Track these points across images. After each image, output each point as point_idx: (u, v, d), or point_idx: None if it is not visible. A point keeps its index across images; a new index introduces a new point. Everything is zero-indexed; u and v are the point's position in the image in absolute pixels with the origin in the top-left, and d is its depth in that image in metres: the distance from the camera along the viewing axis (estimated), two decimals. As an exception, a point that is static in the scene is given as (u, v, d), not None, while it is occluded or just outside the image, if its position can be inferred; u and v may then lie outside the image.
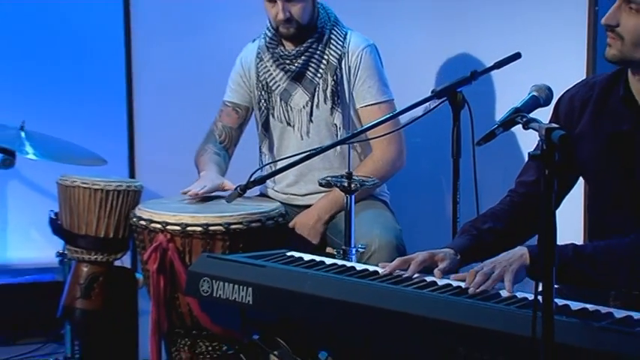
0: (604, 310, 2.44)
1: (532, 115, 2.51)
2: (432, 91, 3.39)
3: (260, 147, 4.28)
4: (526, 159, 3.25)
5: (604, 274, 2.70)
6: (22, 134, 4.17)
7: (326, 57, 4.07)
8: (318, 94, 4.10)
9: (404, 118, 3.52)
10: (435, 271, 2.77)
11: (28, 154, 4.11)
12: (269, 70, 4.15)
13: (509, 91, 4.44)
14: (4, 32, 5.04)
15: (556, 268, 2.30)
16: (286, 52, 4.09)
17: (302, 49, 4.07)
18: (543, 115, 2.58)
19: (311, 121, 4.12)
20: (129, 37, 4.76)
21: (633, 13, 2.71)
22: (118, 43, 4.77)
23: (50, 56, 5.03)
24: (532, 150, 2.28)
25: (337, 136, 3.99)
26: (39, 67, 5.03)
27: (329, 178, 3.51)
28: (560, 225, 2.17)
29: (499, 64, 3.49)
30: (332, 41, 4.08)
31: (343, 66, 4.07)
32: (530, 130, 2.39)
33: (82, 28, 5.02)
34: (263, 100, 4.18)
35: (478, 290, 2.58)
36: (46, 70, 5.03)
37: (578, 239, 4.51)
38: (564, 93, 3.07)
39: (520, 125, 2.47)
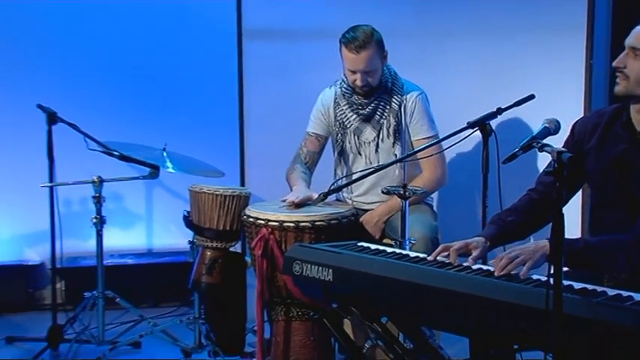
0: (599, 289, 2.40)
1: (544, 141, 2.50)
2: (467, 123, 3.37)
3: (335, 169, 4.24)
4: (537, 174, 3.22)
5: (607, 261, 2.66)
6: (164, 154, 4.21)
7: (389, 105, 4.02)
8: (382, 132, 4.05)
9: (447, 144, 3.48)
10: (469, 259, 2.74)
11: (168, 169, 4.13)
12: (344, 113, 4.11)
13: (525, 123, 4.40)
14: (150, 80, 5.11)
15: (569, 256, 2.31)
16: (359, 101, 4.05)
17: (371, 99, 4.02)
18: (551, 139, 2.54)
19: (377, 151, 4.08)
20: (241, 77, 4.76)
21: (638, 59, 2.70)
22: (232, 83, 4.77)
23: (183, 94, 5.15)
24: (546, 167, 2.28)
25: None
26: (176, 102, 5.15)
27: (389, 188, 3.52)
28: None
29: (518, 103, 3.46)
30: (394, 92, 4.03)
31: (402, 110, 4.02)
32: (544, 153, 2.39)
33: (205, 72, 5.11)
34: (339, 135, 4.14)
35: (502, 273, 2.54)
36: (180, 104, 5.13)
37: (576, 230, 4.48)
38: (579, 119, 3.07)
39: (536, 149, 2.46)
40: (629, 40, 2.75)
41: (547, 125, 2.68)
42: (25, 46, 5.07)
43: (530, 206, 3.01)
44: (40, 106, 4.15)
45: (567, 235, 2.25)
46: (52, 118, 4.14)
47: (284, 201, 3.84)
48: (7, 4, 5.01)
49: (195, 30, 5.08)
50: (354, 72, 3.92)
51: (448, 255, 2.78)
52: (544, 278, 2.39)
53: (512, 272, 2.56)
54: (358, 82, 3.94)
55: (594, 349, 2.21)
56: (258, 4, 4.74)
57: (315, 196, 3.82)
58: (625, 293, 2.33)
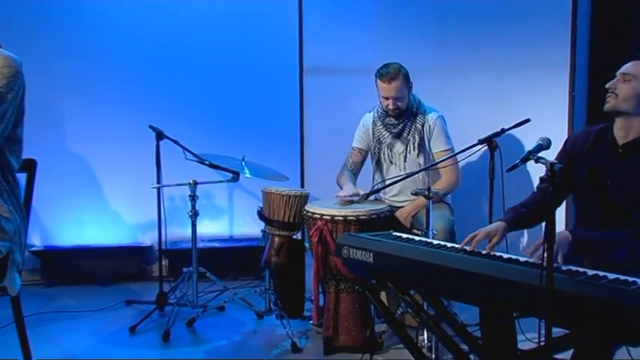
0: (581, 269, 2.38)
1: (539, 155, 2.48)
2: (478, 140, 3.36)
3: (373, 175, 4.25)
4: (531, 181, 3.19)
5: (610, 251, 2.61)
6: (243, 163, 4.22)
7: (415, 125, 4.02)
8: (409, 146, 4.05)
9: (461, 155, 3.47)
10: (487, 247, 2.70)
11: (246, 174, 4.15)
12: (380, 131, 4.12)
13: (523, 141, 4.36)
14: (232, 105, 5.14)
15: (581, 245, 2.46)
16: (391, 122, 4.06)
17: (400, 120, 4.03)
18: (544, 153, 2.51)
19: (405, 161, 4.07)
20: (302, 104, 4.77)
21: (626, 83, 2.69)
22: (295, 108, 4.77)
23: (257, 116, 5.16)
24: (542, 175, 2.28)
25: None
26: (252, 122, 5.16)
27: (417, 190, 3.52)
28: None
29: (517, 125, 3.44)
30: (418, 115, 4.03)
31: (425, 129, 4.02)
32: (539, 164, 2.38)
33: (274, 99, 5.11)
34: (376, 148, 4.15)
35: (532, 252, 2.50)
36: (255, 124, 5.16)
37: (561, 223, 4.42)
38: (570, 136, 3.05)
39: (532, 161, 2.45)
40: (623, 69, 2.74)
41: (541, 142, 2.65)
42: (140, 77, 5.12)
43: (536, 201, 2.96)
44: (151, 127, 4.20)
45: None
46: (160, 136, 4.20)
47: (338, 196, 3.88)
48: (124, 42, 5.09)
49: (268, 67, 5.10)
50: (387, 98, 3.95)
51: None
52: (539, 261, 2.39)
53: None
54: (390, 107, 3.96)
55: (577, 316, 2.20)
56: (315, 48, 4.75)
57: (361, 192, 3.87)
58: (601, 273, 2.32)
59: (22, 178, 2.72)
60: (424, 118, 4.03)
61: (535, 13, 4.63)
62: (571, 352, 2.59)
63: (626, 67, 2.75)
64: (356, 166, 4.25)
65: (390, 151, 4.11)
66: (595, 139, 2.88)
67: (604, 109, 2.78)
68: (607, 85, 2.76)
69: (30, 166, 2.81)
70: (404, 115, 4.03)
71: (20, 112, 2.51)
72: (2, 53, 2.42)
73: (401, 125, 4.04)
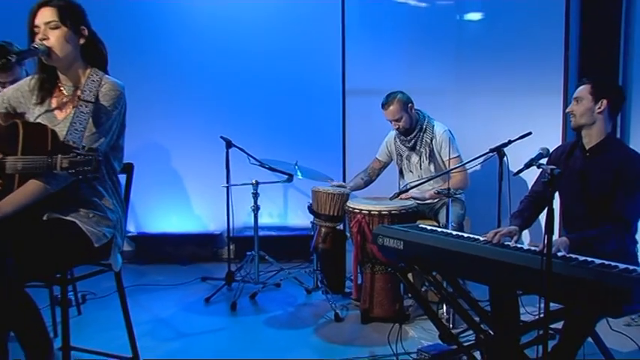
0: (574, 256, 2.39)
1: (540, 161, 2.52)
2: (489, 149, 3.36)
3: (399, 180, 4.26)
4: (530, 183, 3.17)
5: (602, 244, 2.61)
6: (296, 167, 4.26)
7: (424, 138, 4.04)
8: (422, 157, 4.06)
9: (474, 162, 3.47)
10: (512, 241, 2.68)
11: (298, 176, 4.20)
12: (399, 146, 4.16)
13: (525, 150, 4.32)
14: (288, 120, 5.16)
15: (580, 244, 2.46)
16: (405, 138, 4.09)
17: (412, 136, 4.05)
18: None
19: (420, 169, 4.09)
20: (344, 119, 4.81)
21: (578, 103, 2.80)
22: (338, 123, 4.79)
23: (308, 129, 5.12)
24: (542, 179, 2.28)
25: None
26: (304, 134, 5.11)
27: (439, 189, 3.56)
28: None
29: (521, 137, 3.43)
30: (426, 130, 4.03)
31: (433, 142, 4.02)
32: (540, 169, 2.39)
33: (322, 115, 5.05)
34: (399, 160, 4.19)
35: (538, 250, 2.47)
36: (307, 135, 5.11)
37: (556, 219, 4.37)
38: (554, 149, 3.03)
39: (535, 167, 2.45)
40: (575, 94, 2.84)
41: (541, 151, 2.67)
42: (213, 96, 5.15)
43: (532, 205, 2.98)
44: (222, 137, 4.25)
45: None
46: (229, 144, 4.25)
47: (331, 183, 4.18)
48: (199, 70, 5.14)
49: (317, 88, 5.07)
50: (390, 121, 4.01)
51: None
52: (538, 249, 2.40)
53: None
54: (394, 126, 4.01)
55: (570, 293, 2.21)
56: (355, 73, 4.80)
57: (347, 186, 4.12)
58: (590, 259, 2.33)
59: (122, 178, 2.81)
60: (432, 132, 4.04)
61: (534, 45, 4.62)
62: (562, 322, 2.59)
63: (576, 92, 2.84)
64: (373, 171, 4.31)
65: (408, 161, 4.14)
66: (570, 149, 2.92)
67: (571, 126, 2.87)
68: (567, 110, 2.86)
69: (129, 169, 2.90)
70: (414, 130, 4.04)
71: (122, 126, 2.59)
72: (109, 79, 2.52)
73: (413, 141, 4.06)
